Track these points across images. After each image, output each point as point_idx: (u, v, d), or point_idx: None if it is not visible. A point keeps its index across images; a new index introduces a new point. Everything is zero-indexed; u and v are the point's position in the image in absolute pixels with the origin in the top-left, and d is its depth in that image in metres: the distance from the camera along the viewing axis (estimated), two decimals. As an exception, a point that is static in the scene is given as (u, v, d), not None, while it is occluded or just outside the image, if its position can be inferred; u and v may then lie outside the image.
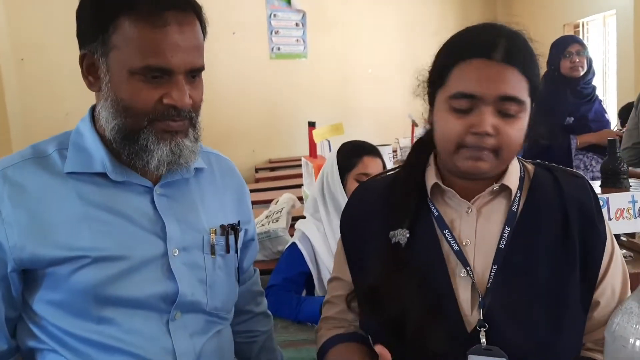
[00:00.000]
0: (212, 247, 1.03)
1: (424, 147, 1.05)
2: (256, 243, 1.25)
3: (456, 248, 0.96)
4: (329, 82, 7.17)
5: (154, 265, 0.95)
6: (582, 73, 2.88)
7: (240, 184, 1.18)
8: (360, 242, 1.04)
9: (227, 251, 1.06)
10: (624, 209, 1.43)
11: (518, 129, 0.91)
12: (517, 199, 0.98)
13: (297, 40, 7.02)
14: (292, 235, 2.00)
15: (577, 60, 2.85)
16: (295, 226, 1.95)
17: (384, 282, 0.96)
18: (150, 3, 0.88)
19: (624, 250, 1.56)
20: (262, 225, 2.36)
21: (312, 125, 3.84)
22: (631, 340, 0.68)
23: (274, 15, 6.85)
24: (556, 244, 0.95)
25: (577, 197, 0.98)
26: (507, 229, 0.96)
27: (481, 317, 0.92)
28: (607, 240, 0.97)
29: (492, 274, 0.94)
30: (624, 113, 3.66)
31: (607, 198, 1.44)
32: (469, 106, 0.90)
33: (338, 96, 7.18)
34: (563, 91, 2.91)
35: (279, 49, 6.93)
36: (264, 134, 6.90)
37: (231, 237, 1.07)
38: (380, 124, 6.80)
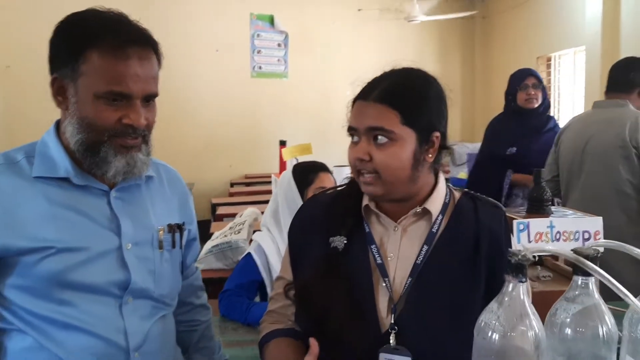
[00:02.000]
0: (160, 242, 1.17)
1: None
2: (198, 243, 1.38)
3: (379, 262, 1.09)
4: (308, 102, 7.35)
5: (109, 256, 1.09)
6: (536, 105, 3.02)
7: (185, 190, 1.32)
8: (304, 245, 1.17)
9: (173, 246, 1.20)
10: (542, 232, 1.58)
11: (392, 154, 1.05)
12: (438, 221, 1.10)
13: (278, 60, 7.20)
14: (251, 246, 2.12)
15: (533, 92, 2.99)
16: (253, 237, 2.08)
17: (317, 281, 1.09)
18: (115, 39, 1.02)
19: (544, 271, 1.71)
20: (225, 236, 2.48)
21: (282, 143, 4.01)
22: (489, 333, 0.82)
23: (257, 35, 7.04)
24: (466, 264, 1.08)
25: (490, 226, 1.10)
26: (425, 247, 1.09)
27: (392, 322, 1.06)
28: None
29: (407, 285, 1.08)
30: None
31: (528, 222, 1.59)
32: (356, 138, 1.09)
33: (316, 116, 7.36)
34: (510, 122, 3.07)
35: (260, 67, 7.10)
36: (242, 149, 7.05)
37: (177, 235, 1.21)
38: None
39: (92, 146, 1.05)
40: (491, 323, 0.83)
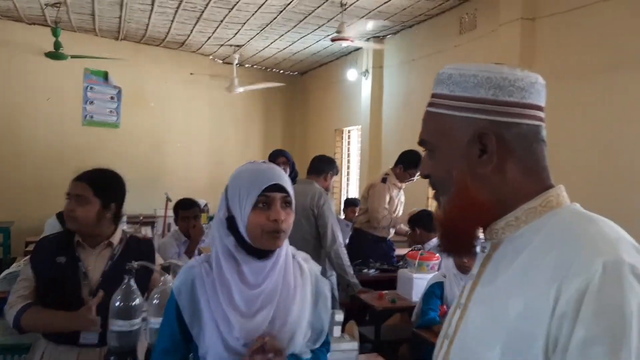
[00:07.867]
0: None
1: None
2: None
3: (84, 270, 2.00)
4: (139, 150, 7.97)
5: None
6: (288, 173, 4.22)
7: None
8: (39, 262, 2.02)
9: None
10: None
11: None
12: (117, 248, 2.07)
13: (110, 111, 7.86)
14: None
15: (282, 167, 4.15)
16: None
17: (52, 284, 1.94)
18: None
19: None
20: (19, 265, 3.18)
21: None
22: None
23: (91, 87, 7.68)
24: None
25: (138, 253, 2.05)
26: (109, 262, 2.04)
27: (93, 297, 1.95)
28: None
29: (99, 280, 1.99)
30: None
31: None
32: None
33: (148, 164, 8.03)
34: None
35: (92, 117, 7.71)
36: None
37: None
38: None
39: None
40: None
